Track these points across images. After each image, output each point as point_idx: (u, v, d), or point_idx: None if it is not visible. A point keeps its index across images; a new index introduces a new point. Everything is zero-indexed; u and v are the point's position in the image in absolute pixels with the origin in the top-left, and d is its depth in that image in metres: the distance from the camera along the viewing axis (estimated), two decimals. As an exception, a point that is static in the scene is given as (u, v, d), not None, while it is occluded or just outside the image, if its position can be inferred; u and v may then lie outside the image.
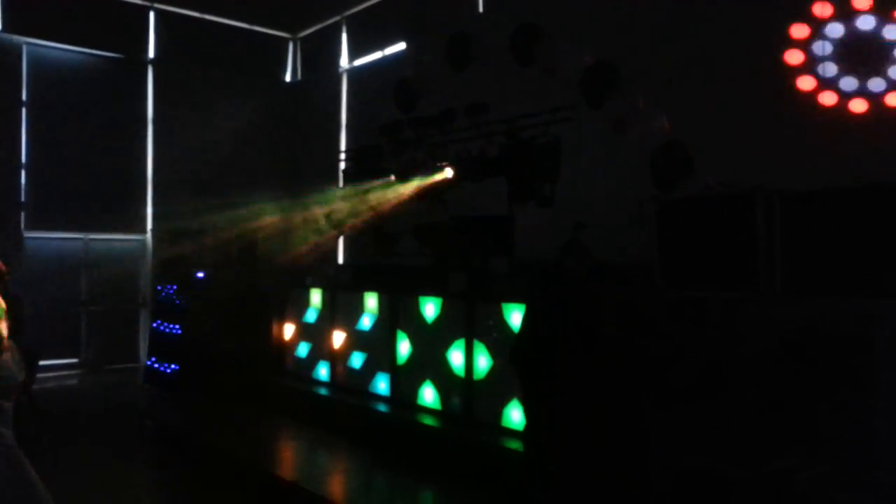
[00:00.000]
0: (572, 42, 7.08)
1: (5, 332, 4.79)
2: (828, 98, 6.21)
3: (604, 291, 5.42)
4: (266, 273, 8.75)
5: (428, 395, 6.58)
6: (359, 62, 12.54)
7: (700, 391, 4.76)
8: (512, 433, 5.64)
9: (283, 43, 13.91)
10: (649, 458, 4.68)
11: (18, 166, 10.75)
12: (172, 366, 8.93)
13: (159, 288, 9.64)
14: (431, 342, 6.59)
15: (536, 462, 4.99)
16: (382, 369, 7.13)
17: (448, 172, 7.97)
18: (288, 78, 13.98)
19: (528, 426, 5.06)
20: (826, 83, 6.22)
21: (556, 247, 6.01)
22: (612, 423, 4.99)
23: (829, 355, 4.23)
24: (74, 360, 11.02)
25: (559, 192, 6.89)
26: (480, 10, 10.35)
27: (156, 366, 9.27)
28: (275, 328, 8.58)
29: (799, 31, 6.45)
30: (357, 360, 7.47)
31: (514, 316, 5.79)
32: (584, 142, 7.56)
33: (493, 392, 5.95)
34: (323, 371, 7.95)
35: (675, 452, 4.50)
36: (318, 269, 8.64)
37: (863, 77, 5.99)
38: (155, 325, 9.54)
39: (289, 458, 6.53)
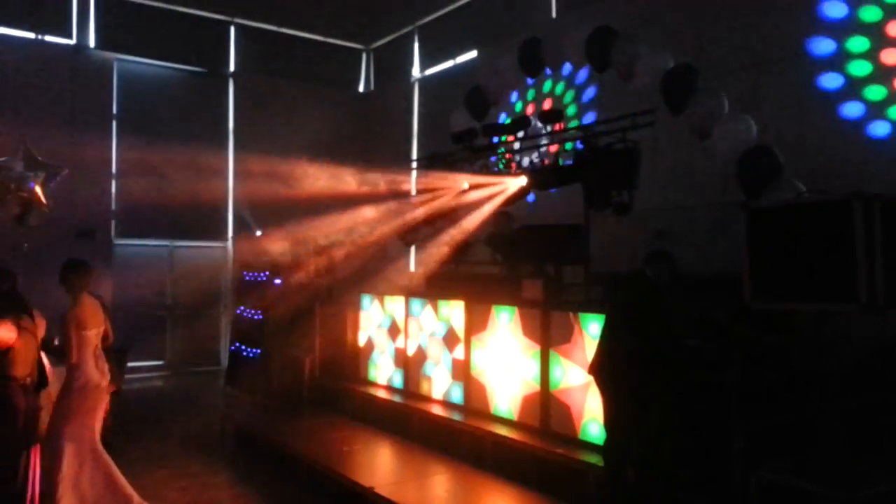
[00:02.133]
0: (650, 45, 6.92)
1: (96, 341, 5.04)
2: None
3: (688, 303, 5.26)
4: (341, 280, 8.88)
5: (503, 404, 6.52)
6: (431, 71, 12.63)
7: (791, 407, 4.55)
8: (590, 447, 5.51)
9: (356, 54, 14.17)
10: (736, 474, 4.50)
11: (109, 177, 11.30)
12: (250, 372, 9.18)
13: (240, 310, 9.98)
14: (506, 351, 6.52)
15: (617, 478, 4.87)
16: (456, 378, 7.11)
17: (521, 180, 7.90)
18: (361, 88, 14.22)
19: (608, 440, 4.94)
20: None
21: (634, 256, 5.87)
22: (696, 437, 4.82)
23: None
24: (160, 363, 11.48)
25: (637, 200, 6.72)
26: (553, 15, 10.26)
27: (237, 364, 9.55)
28: (349, 335, 8.70)
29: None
30: (430, 367, 7.48)
31: (592, 326, 5.67)
32: (664, 147, 7.37)
33: (570, 403, 5.84)
34: (397, 378, 8.00)
35: (763, 468, 4.30)
36: (393, 275, 8.70)
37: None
38: (234, 347, 9.89)
39: (363, 463, 6.57)
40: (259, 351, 9.15)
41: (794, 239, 4.42)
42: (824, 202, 4.35)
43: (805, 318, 4.73)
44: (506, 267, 7.80)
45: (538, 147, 8.18)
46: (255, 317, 9.43)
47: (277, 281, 9.18)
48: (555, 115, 7.80)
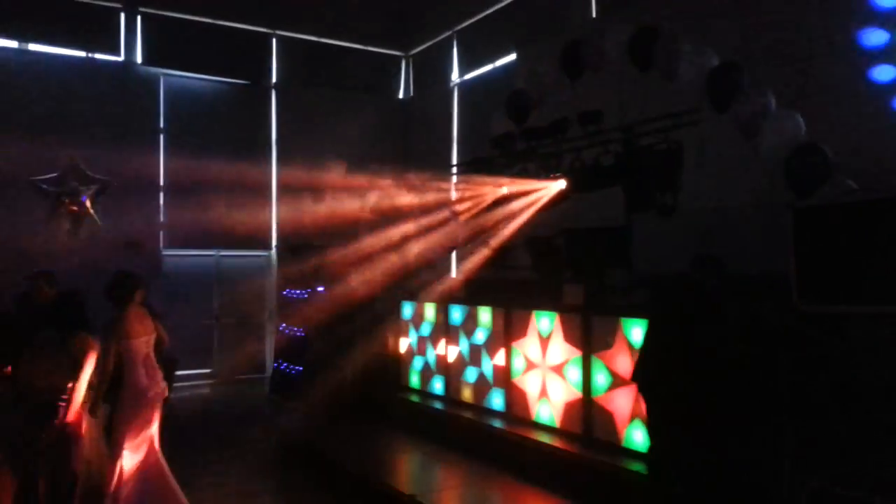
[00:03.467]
0: (693, 44, 6.75)
1: (146, 350, 5.13)
2: None
3: (736, 306, 5.09)
4: (383, 287, 8.91)
5: (544, 411, 6.43)
6: (470, 75, 12.61)
7: (840, 412, 4.36)
8: (634, 455, 5.38)
9: (395, 60, 14.24)
10: (787, 483, 4.33)
11: (157, 189, 11.59)
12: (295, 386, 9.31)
13: (282, 327, 10.11)
14: (547, 357, 6.44)
15: (663, 487, 4.73)
16: (497, 384, 7.05)
17: (561, 183, 7.80)
18: (401, 95, 14.29)
19: (653, 448, 4.82)
20: None
21: (679, 258, 5.71)
22: (742, 445, 4.66)
23: None
24: (207, 371, 11.70)
25: (682, 202, 6.55)
26: (594, 15, 10.12)
27: (281, 378, 9.71)
28: (391, 342, 8.73)
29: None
30: (471, 374, 7.44)
31: (635, 332, 5.54)
32: (709, 147, 7.18)
33: (613, 410, 5.72)
34: (438, 385, 7.97)
35: (814, 477, 4.12)
36: (433, 282, 8.68)
37: None
38: (278, 364, 10.05)
39: (405, 471, 6.57)
40: (301, 369, 9.25)
41: (844, 239, 4.24)
42: (876, 200, 4.17)
43: (857, 323, 4.53)
44: (546, 272, 7.71)
45: (578, 149, 8.04)
46: (298, 333, 9.54)
47: (321, 289, 9.27)
48: (593, 115, 7.67)
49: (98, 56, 11.49)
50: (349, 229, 9.51)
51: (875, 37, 6.28)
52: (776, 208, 5.51)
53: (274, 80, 12.84)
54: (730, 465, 4.61)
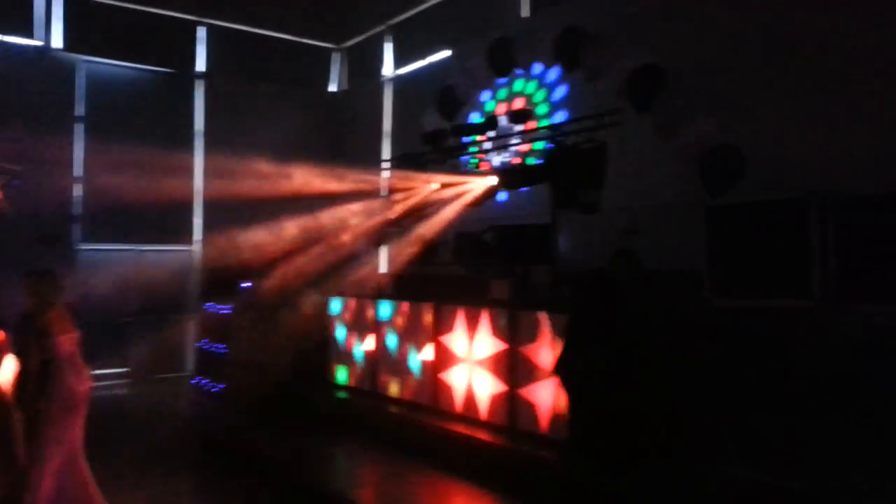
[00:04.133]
0: (618, 45, 6.94)
1: (71, 347, 4.94)
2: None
3: (651, 301, 5.27)
4: (311, 282, 8.81)
5: (470, 404, 6.50)
6: (403, 70, 12.59)
7: (749, 400, 4.57)
8: (557, 444, 5.50)
9: (327, 53, 14.08)
10: (696, 469, 4.51)
11: (74, 180, 11.10)
12: (218, 386, 9.11)
13: (208, 307, 9.87)
14: (473, 351, 6.51)
15: (581, 476, 4.86)
16: (424, 379, 7.08)
17: (491, 180, 7.90)
18: (334, 88, 14.14)
19: (572, 438, 4.94)
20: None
21: (602, 255, 5.86)
22: (655, 434, 4.83)
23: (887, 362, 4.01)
24: (124, 370, 11.29)
25: (605, 200, 6.74)
26: (524, 14, 10.26)
27: (202, 383, 9.50)
28: (318, 337, 8.62)
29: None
30: (398, 369, 7.44)
31: (558, 325, 5.66)
32: (631, 147, 7.39)
33: (537, 401, 5.83)
34: (365, 380, 7.94)
35: (730, 463, 4.31)
36: (361, 277, 8.65)
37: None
38: (201, 343, 9.80)
39: (329, 467, 6.51)
40: (227, 353, 9.05)
41: (751, 236, 4.45)
42: (780, 200, 4.39)
43: (764, 315, 4.76)
44: (474, 268, 7.79)
45: (508, 147, 8.16)
46: (223, 320, 9.34)
47: (247, 284, 9.09)
48: (524, 114, 7.80)
49: (14, 40, 10.92)
50: (277, 224, 9.36)
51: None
52: (692, 207, 5.75)
53: (202, 69, 12.49)
54: (644, 453, 4.77)
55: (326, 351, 8.58)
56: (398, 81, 12.62)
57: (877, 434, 4.00)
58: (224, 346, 9.13)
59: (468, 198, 8.07)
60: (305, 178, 10.23)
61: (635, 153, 7.24)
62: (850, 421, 4.09)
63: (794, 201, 4.33)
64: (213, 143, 12.26)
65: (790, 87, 6.15)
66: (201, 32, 12.52)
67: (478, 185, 8.02)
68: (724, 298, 4.67)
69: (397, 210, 8.70)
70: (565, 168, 6.96)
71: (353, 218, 8.98)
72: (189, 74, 12.40)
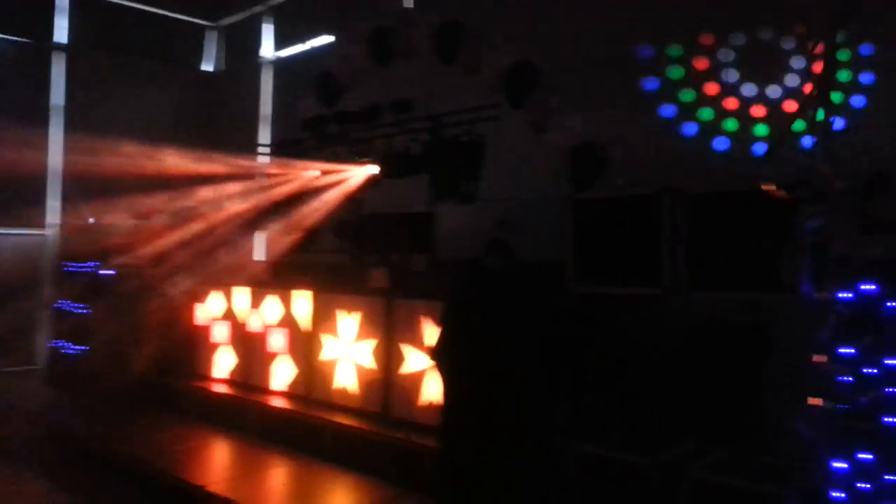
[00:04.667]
0: (496, 41, 7.15)
1: None
2: (731, 103, 6.54)
3: (522, 289, 5.52)
4: (180, 268, 8.46)
5: (347, 393, 6.54)
6: (284, 53, 12.31)
7: (608, 382, 4.92)
8: (430, 430, 5.66)
9: (203, 31, 13.51)
10: (559, 446, 4.80)
11: None
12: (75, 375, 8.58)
13: (60, 304, 9.26)
14: (350, 339, 6.54)
15: (452, 456, 5.04)
16: (299, 368, 7.03)
17: (371, 169, 7.94)
18: (210, 68, 13.59)
19: (445, 420, 5.11)
20: (729, 89, 6.55)
21: (479, 245, 6.06)
22: (525, 413, 5.10)
23: (726, 346, 4.46)
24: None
25: (483, 191, 6.97)
26: (406, 4, 10.32)
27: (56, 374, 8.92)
28: (189, 328, 8.29)
29: (706, 38, 6.75)
30: (274, 359, 7.34)
31: (434, 313, 5.81)
32: (507, 140, 7.66)
33: (411, 388, 5.96)
34: (237, 372, 7.76)
35: (583, 440, 4.60)
36: (237, 265, 8.42)
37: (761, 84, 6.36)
38: (54, 344, 9.21)
39: (196, 462, 6.32)
40: (85, 348, 8.55)
41: (612, 228, 4.78)
42: (637, 195, 4.74)
43: (624, 302, 5.13)
44: (353, 256, 7.81)
45: (388, 136, 8.21)
46: (80, 311, 8.79)
47: (109, 271, 8.60)
48: (405, 104, 7.87)
49: None
50: (144, 208, 8.92)
51: (646, 50, 7.07)
52: (561, 201, 6.06)
53: (63, 41, 11.62)
54: (513, 436, 5.02)
55: (196, 341, 8.27)
56: (279, 64, 12.34)
57: (709, 407, 4.44)
58: (80, 343, 8.61)
59: (348, 185, 8.07)
60: (176, 160, 9.81)
61: (511, 147, 7.52)
62: (688, 397, 4.51)
63: (648, 197, 4.68)
64: (75, 119, 11.46)
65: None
66: (62, 1, 11.64)
67: (358, 174, 8.03)
68: (587, 287, 4.99)
69: (274, 196, 8.53)
70: (444, 159, 7.13)
71: (227, 203, 8.71)
72: (49, 46, 11.51)
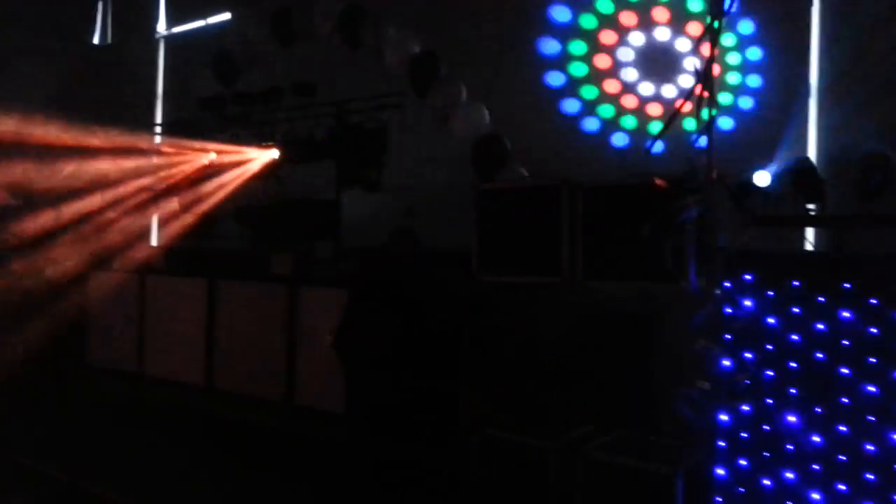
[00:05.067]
0: (399, 28, 7.13)
1: None
2: (630, 101, 6.84)
3: (427, 276, 5.60)
4: (65, 255, 7.97)
5: (246, 381, 6.41)
6: (179, 29, 11.74)
7: (508, 368, 5.08)
8: (332, 417, 5.65)
9: (91, 2, 12.68)
10: (463, 430, 4.91)
11: None
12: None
13: None
14: (251, 327, 6.41)
15: (359, 443, 5.07)
16: (197, 358, 6.82)
17: (273, 153, 7.75)
18: (97, 40, 12.77)
19: (351, 408, 5.13)
20: (628, 87, 6.85)
21: (383, 233, 6.09)
22: (429, 400, 5.20)
23: (617, 333, 4.71)
24: None
25: (390, 179, 6.96)
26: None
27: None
28: (73, 317, 7.81)
29: (608, 37, 7.01)
30: (171, 348, 7.08)
31: (339, 301, 5.79)
32: (412, 129, 7.67)
33: (315, 378, 5.93)
34: (130, 362, 7.44)
35: (485, 424, 4.73)
36: (129, 251, 8.02)
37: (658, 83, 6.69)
38: None
39: (83, 458, 6.02)
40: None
41: (513, 218, 4.91)
42: (537, 187, 4.88)
43: (525, 290, 5.28)
44: (255, 242, 7.63)
45: (291, 119, 8.03)
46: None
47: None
48: (308, 87, 7.72)
49: None
50: (24, 185, 8.32)
51: (550, 46, 7.26)
52: (465, 190, 6.15)
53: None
54: (419, 419, 5.11)
55: (83, 328, 7.83)
56: (174, 40, 11.77)
57: (604, 392, 4.67)
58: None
59: (249, 169, 7.85)
60: (61, 136, 9.22)
61: (416, 135, 7.55)
62: (585, 382, 4.73)
63: (548, 188, 4.82)
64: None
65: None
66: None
67: (259, 157, 7.82)
68: (490, 275, 5.10)
69: (169, 178, 8.18)
70: (348, 146, 7.07)
71: (118, 184, 8.26)
72: None
